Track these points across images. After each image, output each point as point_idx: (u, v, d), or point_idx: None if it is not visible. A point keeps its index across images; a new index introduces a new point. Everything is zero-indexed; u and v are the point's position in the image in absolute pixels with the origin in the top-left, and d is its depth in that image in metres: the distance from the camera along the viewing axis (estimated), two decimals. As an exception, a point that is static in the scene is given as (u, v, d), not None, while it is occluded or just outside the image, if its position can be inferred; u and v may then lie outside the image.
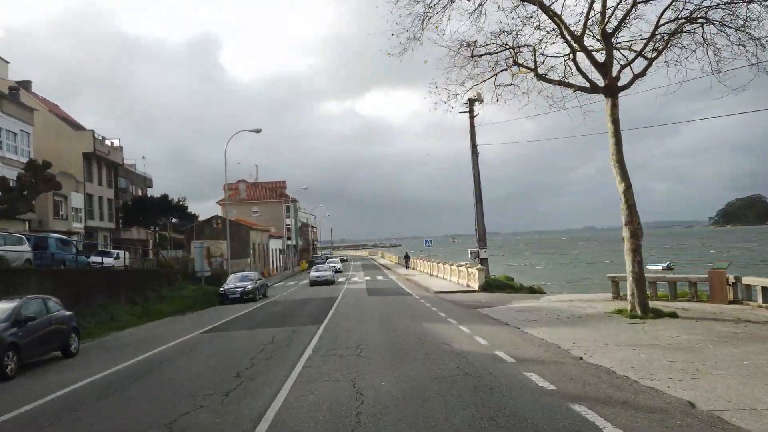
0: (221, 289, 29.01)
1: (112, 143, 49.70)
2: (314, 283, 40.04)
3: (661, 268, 54.59)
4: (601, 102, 16.33)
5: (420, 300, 25.05)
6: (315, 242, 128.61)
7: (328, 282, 40.28)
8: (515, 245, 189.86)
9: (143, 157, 64.17)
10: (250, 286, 28.78)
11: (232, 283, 29.45)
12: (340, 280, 45.65)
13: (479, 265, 31.14)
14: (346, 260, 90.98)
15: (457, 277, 34.22)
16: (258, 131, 34.83)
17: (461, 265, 34.29)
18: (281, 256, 73.95)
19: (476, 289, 28.56)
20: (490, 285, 28.58)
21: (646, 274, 16.37)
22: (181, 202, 43.05)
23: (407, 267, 64.22)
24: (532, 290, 29.12)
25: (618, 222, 16.06)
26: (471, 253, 33.02)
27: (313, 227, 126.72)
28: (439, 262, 43.26)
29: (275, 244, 69.84)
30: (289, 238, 77.83)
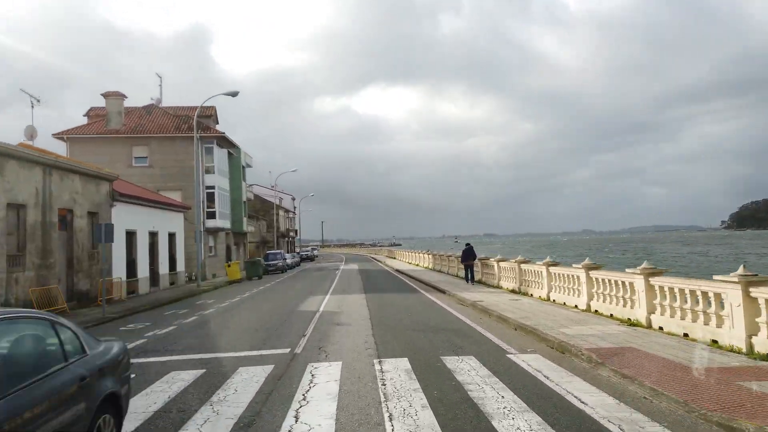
0: None
1: None
2: None
3: None
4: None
5: None
6: (291, 234, 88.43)
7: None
8: (559, 248, 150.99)
9: None
10: None
11: None
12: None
13: None
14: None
15: None
16: None
17: None
18: (158, 249, 30.46)
19: None
20: None
21: None
22: None
23: (470, 281, 25.52)
24: None
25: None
26: None
27: (288, 212, 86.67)
28: None
29: (134, 222, 28.39)
30: (212, 215, 37.56)
